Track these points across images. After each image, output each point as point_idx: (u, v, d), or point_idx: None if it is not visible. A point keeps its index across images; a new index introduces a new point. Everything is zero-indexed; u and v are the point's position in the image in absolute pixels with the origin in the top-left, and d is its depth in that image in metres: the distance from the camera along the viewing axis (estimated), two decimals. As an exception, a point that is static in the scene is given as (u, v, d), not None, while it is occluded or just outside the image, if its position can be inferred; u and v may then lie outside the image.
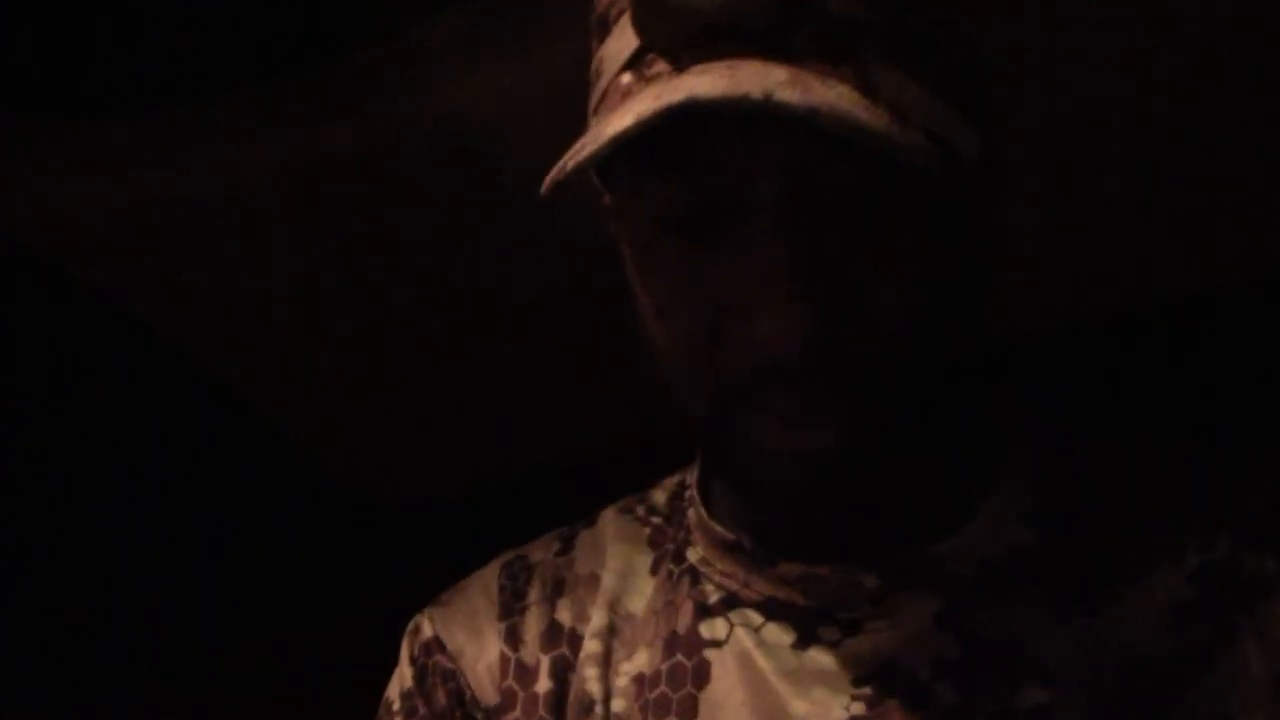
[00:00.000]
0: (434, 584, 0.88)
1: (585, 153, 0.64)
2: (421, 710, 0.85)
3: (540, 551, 0.86)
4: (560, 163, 0.66)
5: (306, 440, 1.65)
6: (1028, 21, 1.24)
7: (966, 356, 0.74)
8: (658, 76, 0.67)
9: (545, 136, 0.71)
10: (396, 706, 0.85)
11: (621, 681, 0.80)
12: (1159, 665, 0.72)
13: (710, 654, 0.78)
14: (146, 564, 1.65)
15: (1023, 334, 1.42)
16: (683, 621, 0.79)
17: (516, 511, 0.89)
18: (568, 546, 0.86)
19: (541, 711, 0.80)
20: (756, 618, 0.77)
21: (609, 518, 0.87)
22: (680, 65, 0.66)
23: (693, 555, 0.81)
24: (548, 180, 0.66)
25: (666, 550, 0.83)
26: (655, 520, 0.85)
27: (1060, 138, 1.32)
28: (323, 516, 1.71)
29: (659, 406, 0.73)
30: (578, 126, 0.70)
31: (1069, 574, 0.75)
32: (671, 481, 0.86)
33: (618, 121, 0.64)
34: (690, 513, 0.83)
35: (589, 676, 0.80)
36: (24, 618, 1.63)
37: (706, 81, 0.63)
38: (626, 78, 0.68)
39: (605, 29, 0.71)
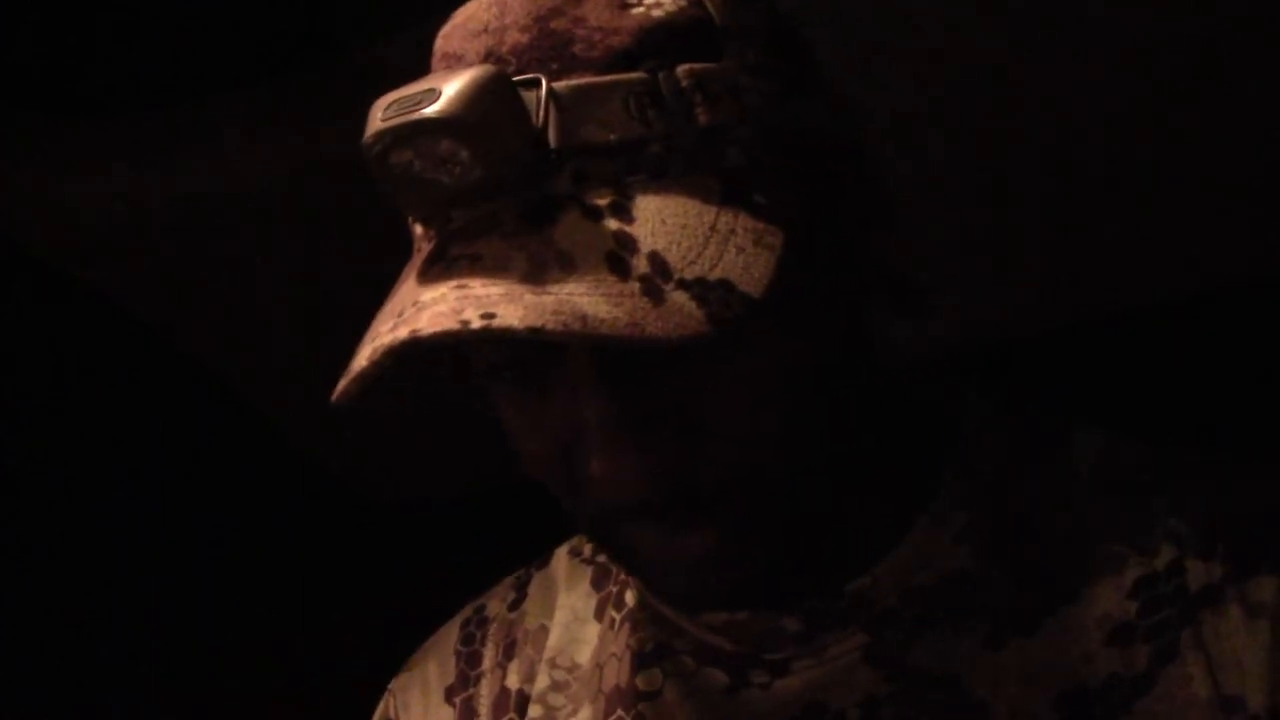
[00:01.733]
0: (434, 585, 0.88)
1: (340, 389, 0.63)
2: None
3: (497, 603, 0.86)
4: (337, 389, 0.64)
5: (306, 441, 1.65)
6: (1027, 22, 1.24)
7: (865, 408, 0.71)
8: (431, 239, 0.65)
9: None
10: None
11: None
12: (1096, 690, 0.69)
13: (644, 708, 0.76)
14: (146, 564, 1.64)
15: (1020, 334, 1.42)
16: (622, 674, 0.78)
17: (516, 512, 0.89)
18: (520, 595, 0.85)
19: None
20: (690, 663, 0.76)
21: (561, 560, 0.86)
22: (448, 228, 0.64)
23: (630, 599, 0.80)
24: (335, 398, 0.64)
25: (609, 593, 0.81)
26: (599, 559, 0.83)
27: (1061, 138, 1.32)
28: (323, 517, 1.71)
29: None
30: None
31: (1005, 595, 0.72)
32: None
33: (359, 360, 0.62)
34: None
35: None
36: (24, 618, 1.63)
37: (429, 314, 0.60)
38: (418, 229, 0.67)
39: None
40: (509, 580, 0.87)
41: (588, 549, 0.85)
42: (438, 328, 0.60)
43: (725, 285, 0.61)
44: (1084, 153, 1.32)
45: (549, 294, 0.59)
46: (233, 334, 1.56)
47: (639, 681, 0.77)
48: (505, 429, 0.70)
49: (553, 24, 0.64)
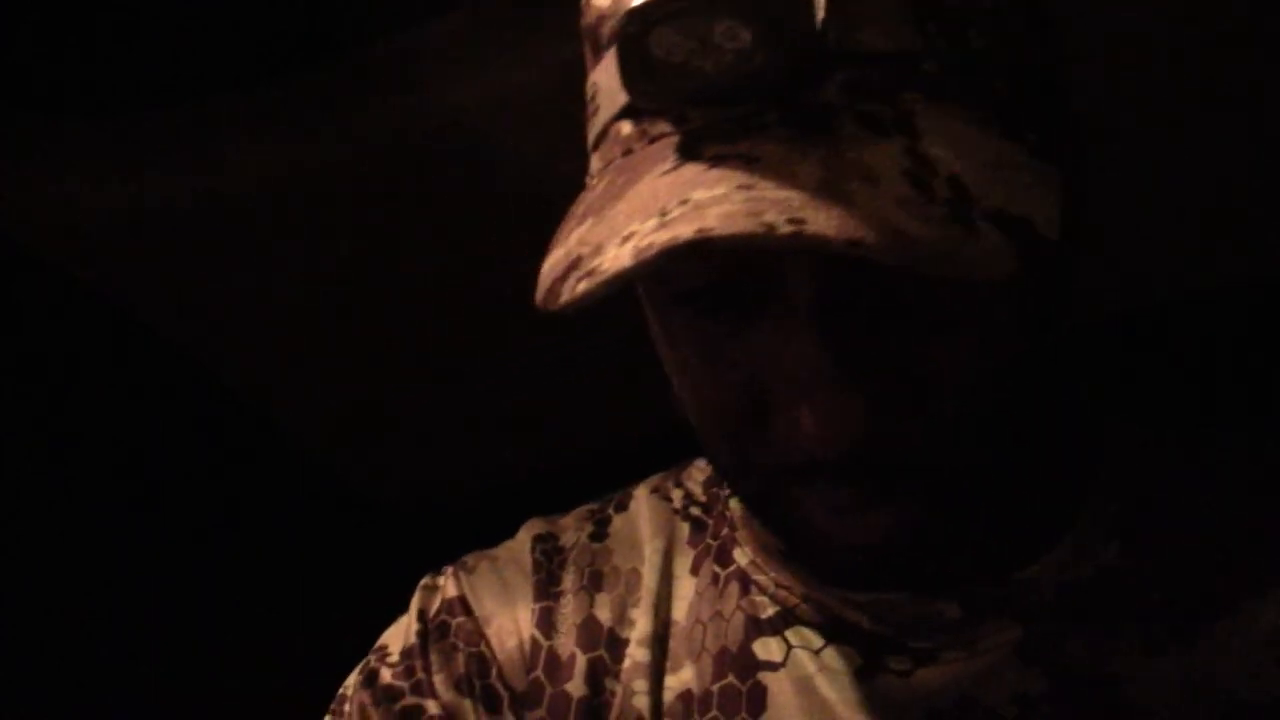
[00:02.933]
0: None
1: (580, 289, 0.55)
2: (427, 674, 0.75)
3: (572, 533, 0.79)
4: (548, 285, 0.57)
5: (307, 441, 1.65)
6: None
7: (1045, 398, 0.66)
8: (662, 137, 0.58)
9: (545, 136, 0.70)
10: (394, 659, 0.76)
11: (667, 697, 0.72)
12: (1259, 712, 0.65)
13: (765, 677, 0.70)
14: (146, 564, 1.64)
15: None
16: (733, 637, 0.72)
17: (517, 513, 0.89)
18: (601, 532, 0.78)
19: (572, 718, 0.72)
20: (816, 639, 0.70)
21: (643, 502, 0.79)
22: (686, 128, 0.57)
23: (740, 557, 0.74)
24: (539, 299, 0.57)
25: (708, 547, 0.75)
26: (693, 511, 0.77)
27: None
28: (323, 517, 1.71)
29: (661, 408, 0.72)
30: (578, 128, 0.70)
31: (1160, 599, 0.68)
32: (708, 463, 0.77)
33: (614, 258, 0.54)
34: (734, 505, 0.75)
35: (637, 690, 0.72)
36: (24, 618, 1.63)
37: (715, 213, 0.53)
38: (627, 128, 0.59)
39: (597, 47, 0.62)
40: (580, 513, 0.80)
41: (677, 496, 0.78)
42: (735, 229, 0.52)
43: (1024, 221, 0.54)
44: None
45: (859, 206, 0.52)
46: (233, 334, 1.56)
47: (757, 649, 0.71)
48: (677, 366, 0.63)
49: None
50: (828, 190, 0.52)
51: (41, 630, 1.65)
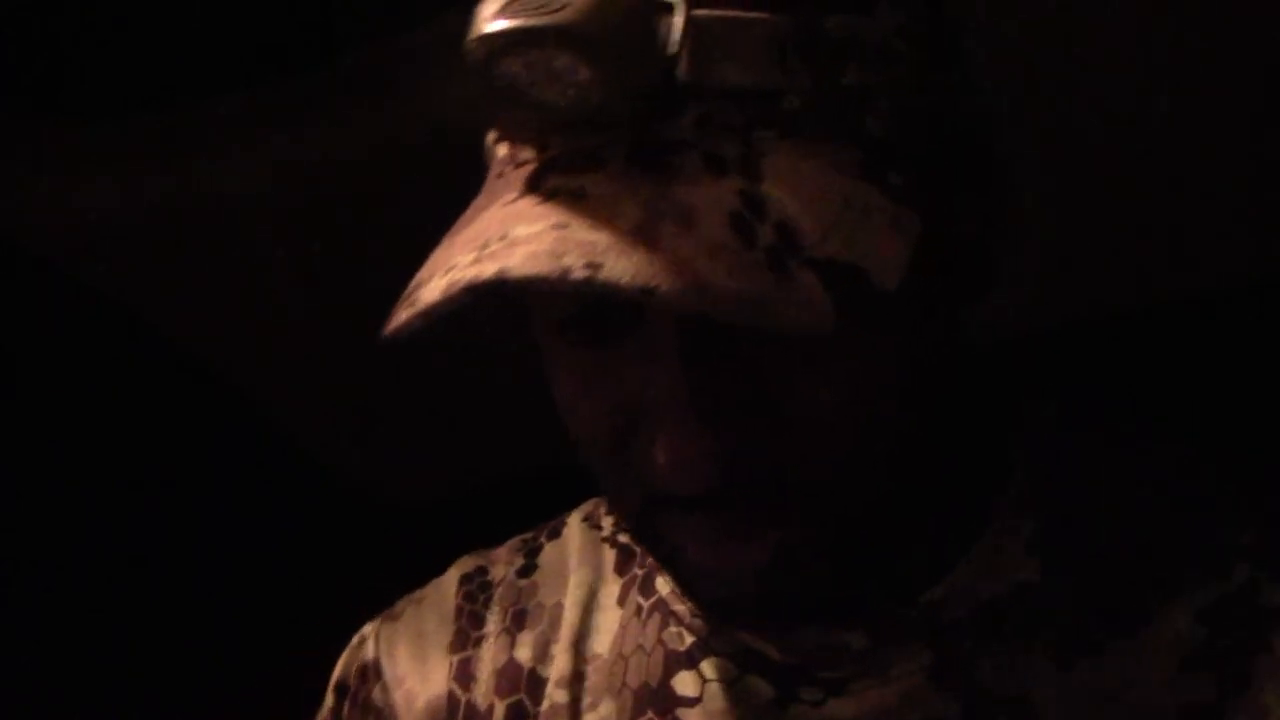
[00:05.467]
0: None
1: (402, 319, 0.55)
2: None
3: (502, 567, 0.78)
4: (394, 308, 0.57)
5: (307, 440, 1.65)
6: (1026, 22, 1.24)
7: (949, 411, 0.65)
8: (524, 164, 0.57)
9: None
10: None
11: None
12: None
13: (683, 713, 0.69)
14: (146, 564, 1.64)
15: (1023, 334, 1.42)
16: (654, 671, 0.70)
17: (517, 512, 0.89)
18: (530, 565, 0.77)
19: None
20: (731, 669, 0.69)
21: (574, 529, 0.78)
22: (545, 155, 0.56)
23: (662, 587, 0.72)
24: (391, 329, 0.56)
25: (635, 577, 0.74)
26: (621, 539, 0.76)
27: (1060, 137, 1.32)
28: (323, 517, 1.71)
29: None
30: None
31: (1075, 613, 0.66)
32: None
33: (430, 290, 0.54)
34: None
35: None
36: (24, 618, 1.63)
37: (523, 252, 0.52)
38: (503, 149, 0.59)
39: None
40: (513, 543, 0.80)
41: (607, 523, 0.77)
42: (532, 270, 0.52)
43: (856, 271, 0.53)
44: (1084, 152, 1.32)
45: (662, 251, 0.51)
46: (233, 334, 1.56)
47: (676, 684, 0.70)
48: (558, 392, 0.63)
49: None
50: (640, 233, 0.52)
51: (42, 630, 1.65)
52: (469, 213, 0.59)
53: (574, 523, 0.79)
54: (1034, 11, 1.22)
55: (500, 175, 0.59)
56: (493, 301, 0.55)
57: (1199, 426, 0.72)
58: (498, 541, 0.83)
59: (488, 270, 0.53)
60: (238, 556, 1.67)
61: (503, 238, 0.54)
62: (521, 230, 0.54)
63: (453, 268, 0.55)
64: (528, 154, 0.58)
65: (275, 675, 1.66)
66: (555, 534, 0.79)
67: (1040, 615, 0.66)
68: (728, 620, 0.68)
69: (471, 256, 0.54)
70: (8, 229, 1.43)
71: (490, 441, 1.61)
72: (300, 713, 0.90)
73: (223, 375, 1.58)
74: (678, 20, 0.54)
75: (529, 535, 0.80)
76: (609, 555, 0.76)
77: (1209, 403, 1.29)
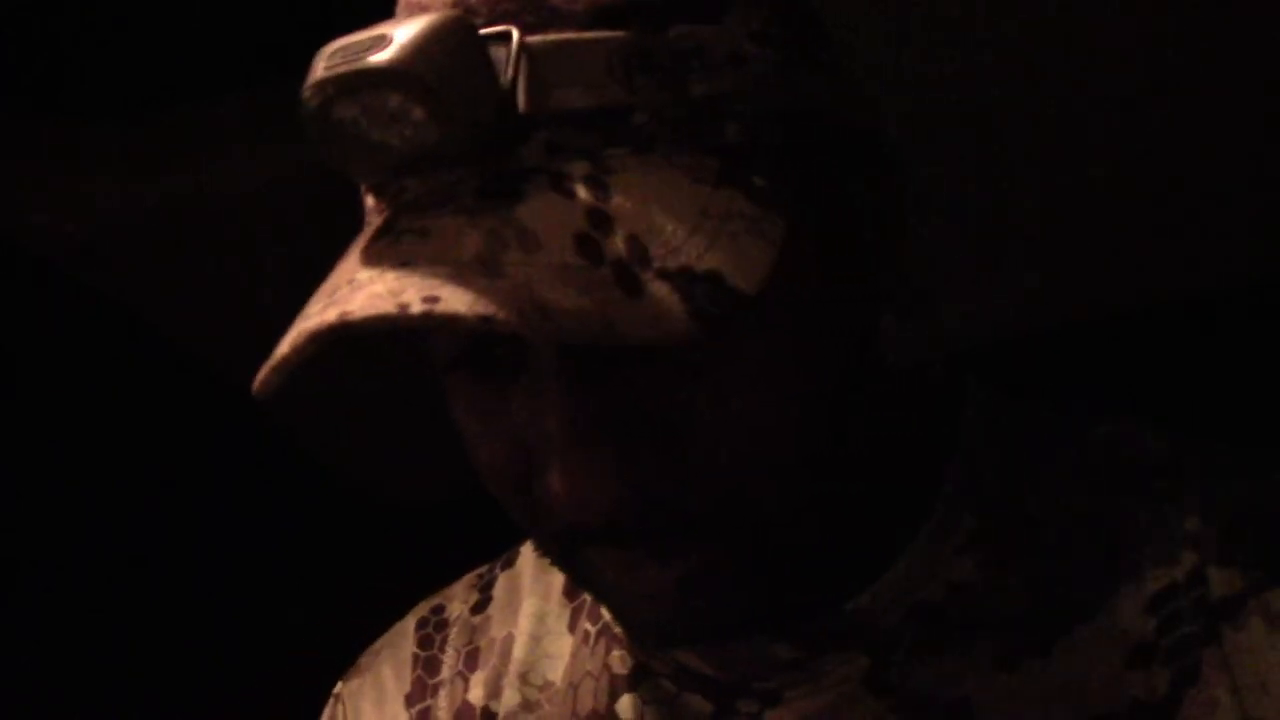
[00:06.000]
0: (434, 585, 0.87)
1: (260, 379, 0.54)
2: None
3: (458, 603, 0.78)
4: (258, 376, 0.55)
5: (307, 440, 1.65)
6: (1027, 22, 1.24)
7: (869, 415, 0.63)
8: (383, 211, 0.57)
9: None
10: None
11: None
12: (1118, 718, 0.62)
13: None
14: (146, 564, 1.64)
15: (1022, 334, 1.42)
16: (601, 698, 0.70)
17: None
18: (485, 599, 0.77)
19: None
20: (670, 688, 0.68)
21: (526, 558, 0.77)
22: (401, 200, 0.56)
23: (606, 612, 0.71)
24: (256, 389, 0.55)
25: (582, 602, 0.73)
26: None
27: (1061, 137, 1.32)
28: (323, 517, 1.71)
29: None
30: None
31: (1016, 611, 0.64)
32: None
33: (284, 342, 0.54)
34: None
35: None
36: (24, 618, 1.63)
37: (364, 294, 0.52)
38: (370, 200, 0.59)
39: None
40: (470, 579, 0.79)
41: None
42: (371, 311, 0.51)
43: (713, 277, 0.53)
44: (1084, 152, 1.32)
45: (504, 278, 0.51)
46: (234, 334, 1.56)
47: (619, 709, 0.69)
48: (459, 430, 0.62)
49: None
50: (480, 264, 0.51)
51: (42, 631, 1.65)
52: (336, 263, 0.58)
53: (526, 550, 0.78)
54: (1034, 11, 1.22)
55: (368, 223, 0.59)
56: (365, 347, 0.54)
57: (1196, 426, 0.70)
58: (496, 542, 0.83)
59: (330, 316, 0.52)
60: (238, 557, 1.67)
61: (350, 282, 0.54)
62: (364, 274, 0.53)
63: (306, 318, 0.54)
64: (386, 199, 0.57)
65: (275, 675, 1.66)
66: (509, 564, 0.78)
67: (980, 615, 0.64)
68: (659, 644, 0.67)
69: (320, 305, 0.54)
70: (8, 229, 1.43)
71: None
72: (300, 713, 0.89)
73: (223, 375, 1.58)
74: (510, 49, 0.54)
75: (484, 569, 0.80)
76: (558, 581, 0.75)
77: (1208, 403, 1.29)
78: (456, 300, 0.50)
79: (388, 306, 0.51)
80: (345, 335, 0.52)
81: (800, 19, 0.60)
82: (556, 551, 0.63)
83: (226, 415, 1.62)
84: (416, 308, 0.51)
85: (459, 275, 0.51)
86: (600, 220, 0.53)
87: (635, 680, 0.70)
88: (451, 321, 0.50)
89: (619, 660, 0.71)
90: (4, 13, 1.32)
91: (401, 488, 1.70)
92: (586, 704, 0.71)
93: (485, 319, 0.50)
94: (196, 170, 1.40)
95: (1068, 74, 1.26)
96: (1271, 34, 1.21)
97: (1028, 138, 1.32)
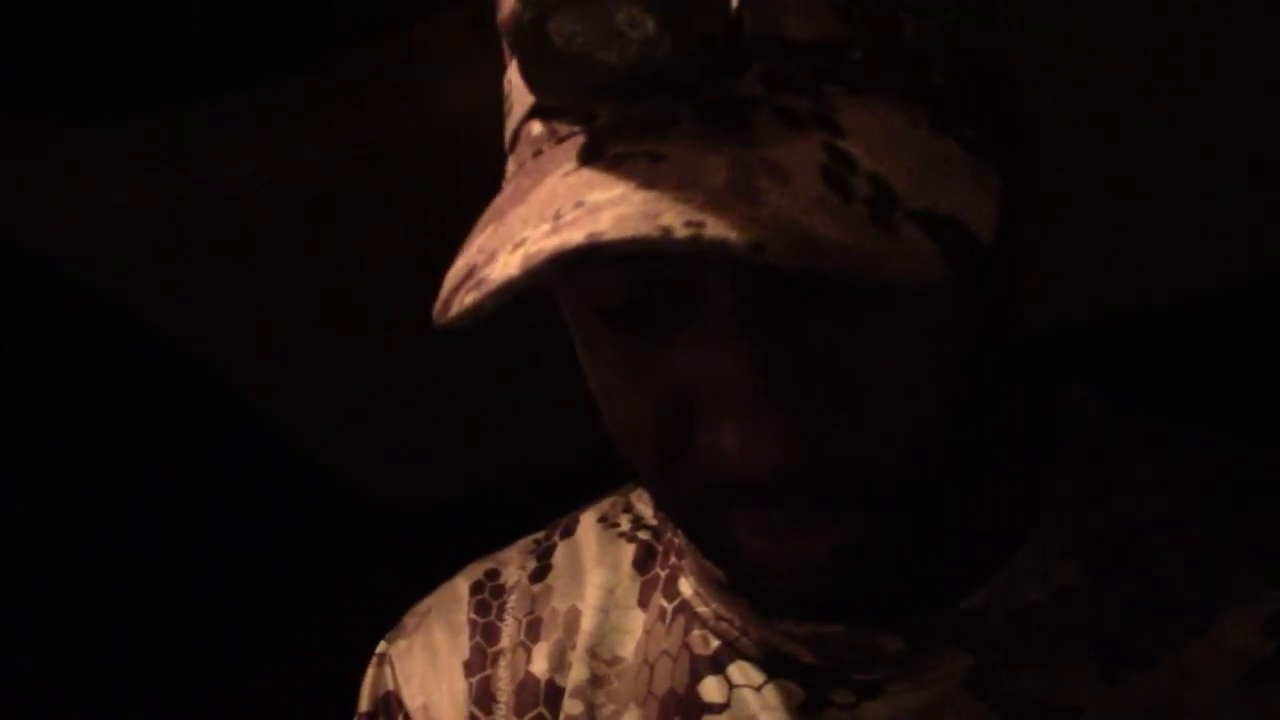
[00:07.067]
0: (434, 585, 0.87)
1: (468, 302, 0.50)
2: None
3: (515, 570, 0.76)
4: (444, 297, 0.52)
5: (308, 440, 1.65)
6: (1026, 22, 1.24)
7: (994, 410, 0.61)
8: (570, 136, 0.53)
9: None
10: None
11: None
12: None
13: None
14: (146, 564, 1.64)
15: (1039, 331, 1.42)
16: (680, 678, 0.68)
17: (517, 512, 0.89)
18: (544, 567, 0.75)
19: None
20: (757, 675, 0.66)
21: (588, 529, 0.75)
22: (595, 125, 0.52)
23: (686, 588, 0.69)
24: (435, 314, 0.52)
25: (656, 577, 0.71)
26: (641, 536, 0.73)
27: (1061, 137, 1.32)
28: (323, 517, 1.71)
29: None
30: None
31: (1123, 621, 0.63)
32: None
33: (504, 265, 0.50)
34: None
35: None
36: (24, 618, 1.63)
37: (610, 215, 0.48)
38: (537, 127, 0.55)
39: (510, 43, 0.57)
40: (525, 544, 0.77)
41: (624, 520, 0.74)
42: (628, 233, 0.47)
43: (954, 223, 0.50)
44: (1085, 152, 1.32)
45: (764, 206, 0.47)
46: (234, 334, 1.56)
47: (701, 690, 0.67)
48: (599, 384, 0.59)
49: None
50: (734, 190, 0.48)
51: (42, 631, 1.65)
52: (510, 192, 0.54)
53: (588, 522, 0.76)
54: (1034, 11, 1.22)
55: (539, 153, 0.55)
56: (570, 274, 0.51)
57: (1199, 427, 0.70)
58: (497, 542, 0.83)
59: (574, 238, 0.48)
60: (238, 556, 1.67)
61: (579, 205, 0.49)
62: (598, 196, 0.49)
63: (523, 241, 0.50)
64: (571, 126, 0.54)
65: (275, 675, 1.67)
66: (569, 532, 0.76)
67: (1085, 623, 0.63)
68: (799, 615, 0.65)
69: (545, 228, 0.50)
70: (8, 229, 1.43)
71: (490, 442, 1.61)
72: (300, 713, 0.89)
73: (223, 375, 1.58)
74: None
75: (540, 535, 0.77)
76: (627, 553, 0.73)
77: (1209, 403, 1.29)
78: (723, 227, 0.47)
79: (648, 229, 0.47)
80: (598, 257, 0.48)
81: None
82: (692, 514, 0.60)
83: (226, 415, 1.62)
84: (681, 232, 0.47)
85: (719, 201, 0.48)
86: (841, 157, 0.50)
87: (721, 662, 0.67)
88: (720, 248, 0.47)
89: (700, 640, 0.68)
90: (4, 13, 1.32)
91: (401, 488, 1.70)
92: (664, 684, 0.68)
93: (758, 247, 0.47)
94: (196, 170, 1.40)
95: (1068, 74, 1.26)
96: (1271, 34, 1.21)
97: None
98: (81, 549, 1.64)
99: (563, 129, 0.54)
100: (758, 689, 0.66)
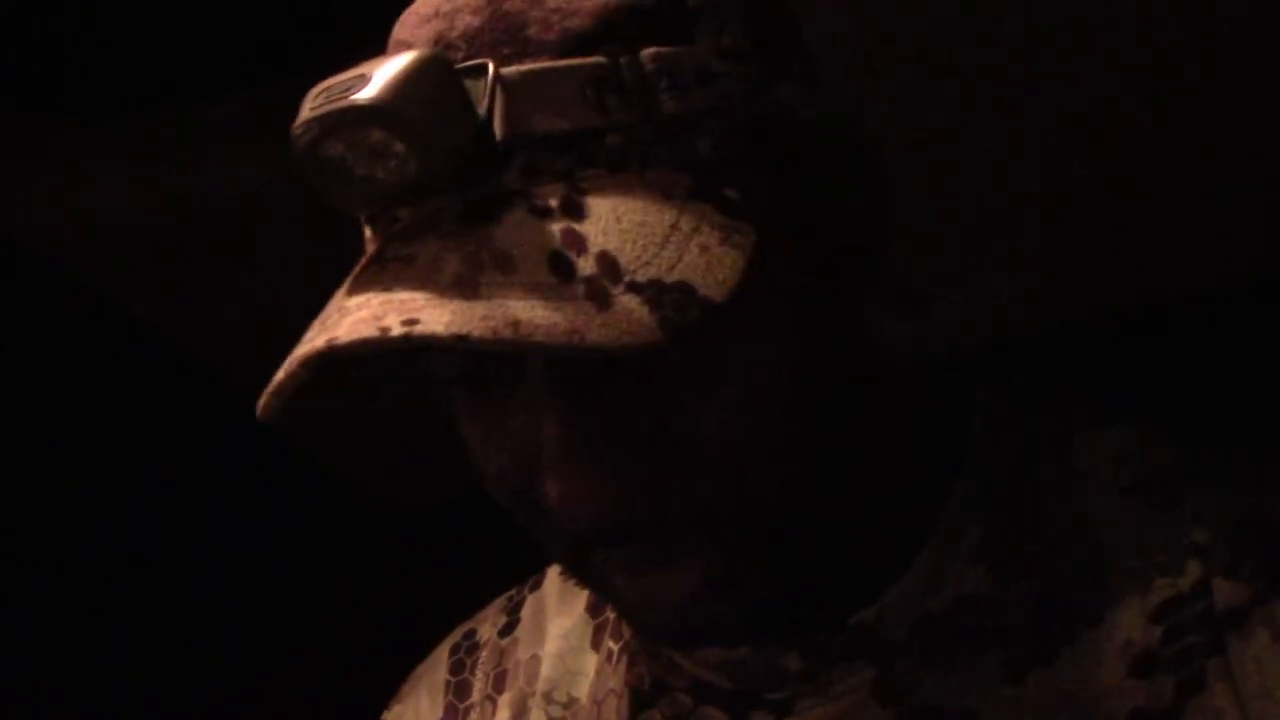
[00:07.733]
0: (434, 584, 0.87)
1: (261, 404, 0.57)
2: None
3: (488, 628, 0.80)
4: (260, 402, 0.58)
5: (308, 441, 1.65)
6: (1028, 21, 1.24)
7: (868, 417, 0.65)
8: (378, 240, 0.60)
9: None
10: None
11: None
12: None
13: None
14: (146, 564, 1.64)
15: (1022, 334, 1.42)
16: (622, 713, 0.72)
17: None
18: (512, 622, 0.79)
19: None
20: (687, 702, 0.70)
21: (552, 580, 0.79)
22: (393, 229, 0.59)
23: (628, 630, 0.73)
24: (259, 414, 0.58)
25: (606, 620, 0.75)
26: None
27: (1062, 138, 1.32)
28: (323, 517, 1.71)
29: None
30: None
31: (1023, 620, 0.65)
32: None
33: (280, 369, 0.57)
34: None
35: None
36: (24, 618, 1.63)
37: (350, 320, 0.55)
38: (368, 231, 0.62)
39: None
40: (501, 601, 0.82)
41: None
42: (355, 336, 0.54)
43: (683, 288, 0.55)
44: (1085, 152, 1.32)
45: (480, 298, 0.54)
46: (234, 334, 1.56)
47: None
48: (465, 442, 0.65)
49: (506, 6, 0.58)
50: (458, 285, 0.54)
51: (42, 630, 1.65)
52: (333, 292, 0.61)
53: (553, 574, 0.80)
54: (1034, 11, 1.22)
55: (363, 254, 0.61)
56: (360, 369, 0.57)
57: (1196, 426, 0.70)
58: (497, 542, 0.83)
59: (319, 343, 0.55)
60: (238, 556, 1.67)
61: (340, 310, 0.57)
62: (353, 301, 0.57)
63: (300, 345, 0.57)
64: (379, 229, 0.60)
65: (275, 675, 1.67)
66: (536, 585, 0.80)
67: (987, 626, 0.65)
68: (674, 645, 0.69)
69: (314, 332, 0.57)
70: (8, 229, 1.44)
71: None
72: (300, 713, 0.89)
73: (223, 375, 1.58)
74: (486, 81, 0.57)
75: (514, 591, 0.82)
76: (583, 599, 0.77)
77: (1208, 403, 1.29)
78: (434, 321, 0.53)
79: (370, 330, 0.54)
80: (333, 360, 0.55)
81: (773, 31, 0.62)
82: (568, 559, 0.65)
83: (226, 415, 1.62)
84: (396, 330, 0.54)
85: (437, 297, 0.54)
86: (572, 240, 0.55)
87: (655, 696, 0.71)
88: (429, 341, 0.53)
89: (638, 677, 0.72)
90: (4, 13, 1.32)
91: (401, 488, 1.70)
92: None
93: (460, 337, 0.53)
94: (196, 170, 1.40)
95: (1068, 73, 1.26)
96: (1272, 34, 1.21)
97: (1028, 137, 1.32)
98: (81, 549, 1.64)
99: (375, 233, 0.61)
100: (686, 717, 0.70)
